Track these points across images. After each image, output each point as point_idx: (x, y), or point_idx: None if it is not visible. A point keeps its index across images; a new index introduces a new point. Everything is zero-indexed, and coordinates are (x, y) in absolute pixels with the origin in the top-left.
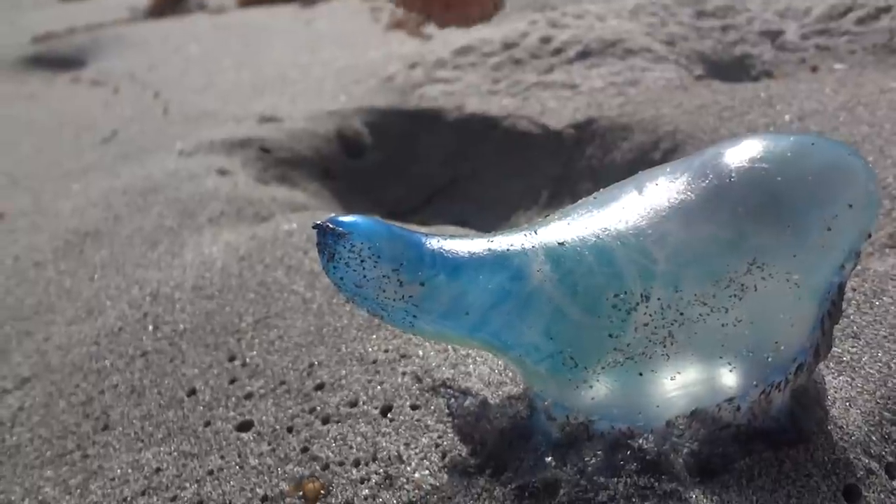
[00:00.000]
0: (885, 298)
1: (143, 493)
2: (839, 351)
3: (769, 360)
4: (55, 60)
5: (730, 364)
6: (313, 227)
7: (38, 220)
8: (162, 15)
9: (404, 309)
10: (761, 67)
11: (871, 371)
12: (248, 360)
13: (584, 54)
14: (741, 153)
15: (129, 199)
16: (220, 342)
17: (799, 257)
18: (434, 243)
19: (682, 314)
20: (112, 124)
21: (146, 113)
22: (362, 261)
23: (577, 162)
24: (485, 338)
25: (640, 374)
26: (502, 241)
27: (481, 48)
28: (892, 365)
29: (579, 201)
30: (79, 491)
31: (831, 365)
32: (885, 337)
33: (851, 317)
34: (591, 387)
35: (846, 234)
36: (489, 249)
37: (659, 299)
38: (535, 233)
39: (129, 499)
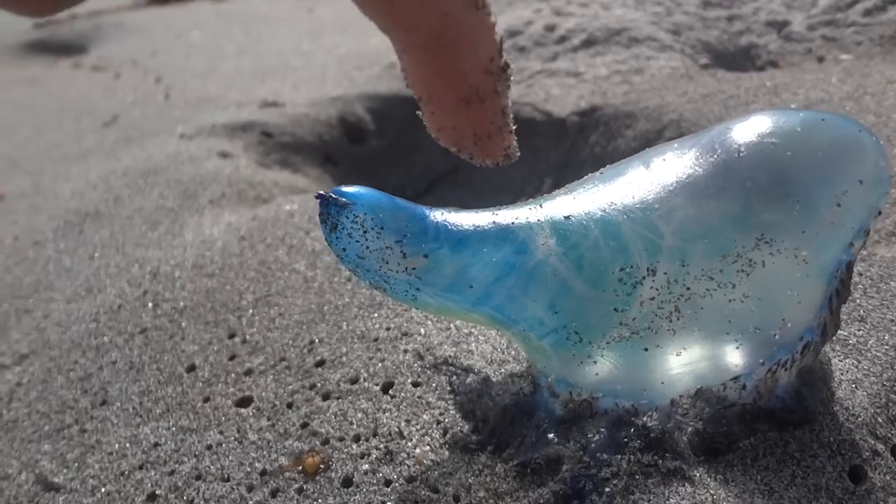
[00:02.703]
0: (891, 283)
1: (140, 467)
2: (845, 334)
3: (776, 337)
4: (57, 46)
5: (736, 341)
6: (316, 197)
7: (38, 201)
8: (164, 2)
9: (407, 281)
10: (767, 57)
11: (878, 354)
12: (248, 336)
13: (588, 42)
14: (750, 128)
15: (130, 180)
16: (220, 319)
17: (808, 233)
18: (438, 216)
19: (688, 289)
20: (113, 109)
21: (147, 98)
22: (365, 232)
23: (581, 150)
24: (488, 312)
25: (646, 350)
26: (507, 215)
27: None
28: None
29: (585, 177)
30: (76, 465)
31: (837, 348)
32: (891, 320)
33: (858, 301)
34: (595, 362)
35: (856, 211)
36: (494, 223)
37: (665, 273)
38: (541, 206)
39: (126, 472)
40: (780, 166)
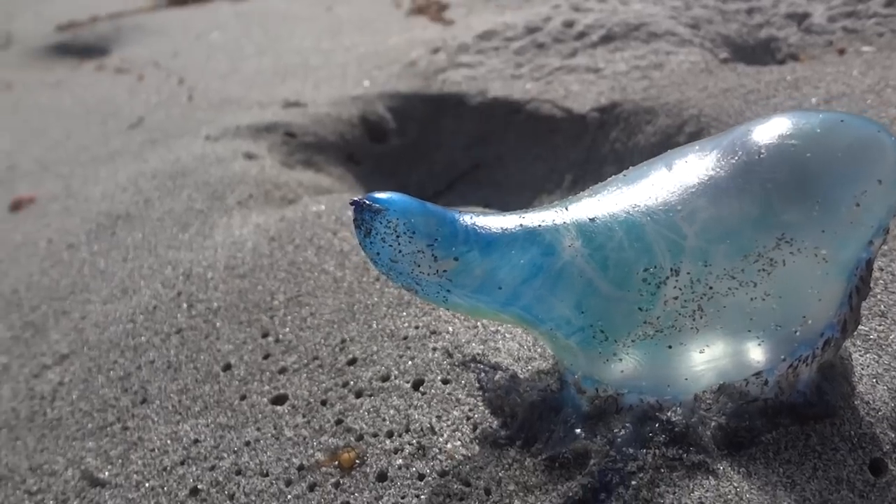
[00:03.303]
0: None
1: (182, 463)
2: (866, 329)
3: (797, 334)
4: (79, 49)
5: (758, 338)
6: (350, 204)
7: (70, 204)
8: (183, 3)
9: (438, 283)
10: (787, 50)
11: None
12: (281, 336)
13: (607, 38)
14: (770, 130)
15: (159, 182)
16: (253, 319)
17: (827, 233)
18: (467, 220)
19: (711, 288)
20: (138, 111)
21: (171, 99)
22: (398, 236)
23: (601, 146)
24: (517, 312)
25: (670, 347)
26: (534, 218)
27: (504, 33)
28: None
29: (609, 178)
30: (120, 461)
31: (858, 342)
32: None
33: (878, 296)
34: (620, 360)
35: (875, 210)
36: (521, 225)
37: (688, 273)
38: (566, 209)
39: (168, 468)
40: (800, 167)
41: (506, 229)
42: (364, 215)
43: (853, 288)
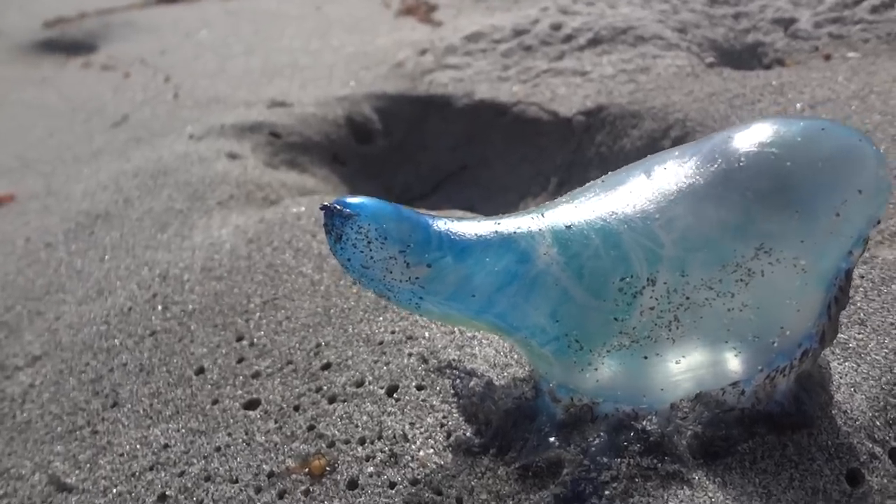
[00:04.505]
0: (893, 286)
1: (151, 468)
2: (845, 337)
3: (775, 345)
4: (66, 45)
5: (735, 349)
6: (321, 209)
7: (50, 202)
8: (173, 0)
9: (411, 290)
10: (773, 55)
11: (877, 357)
12: (255, 340)
13: (594, 41)
14: (751, 138)
15: (140, 181)
16: (228, 322)
17: (807, 243)
18: (441, 225)
19: (688, 298)
20: (123, 108)
21: (157, 97)
22: (369, 242)
23: (587, 149)
24: (491, 319)
25: (645, 358)
26: (509, 224)
27: (492, 35)
28: None
29: (587, 184)
30: (88, 465)
31: (837, 351)
32: (891, 324)
33: (858, 304)
34: (595, 369)
35: (855, 221)
36: (496, 232)
37: (665, 283)
38: (542, 215)
39: (137, 473)
40: (780, 176)
41: (480, 235)
42: (334, 220)
43: (832, 298)
